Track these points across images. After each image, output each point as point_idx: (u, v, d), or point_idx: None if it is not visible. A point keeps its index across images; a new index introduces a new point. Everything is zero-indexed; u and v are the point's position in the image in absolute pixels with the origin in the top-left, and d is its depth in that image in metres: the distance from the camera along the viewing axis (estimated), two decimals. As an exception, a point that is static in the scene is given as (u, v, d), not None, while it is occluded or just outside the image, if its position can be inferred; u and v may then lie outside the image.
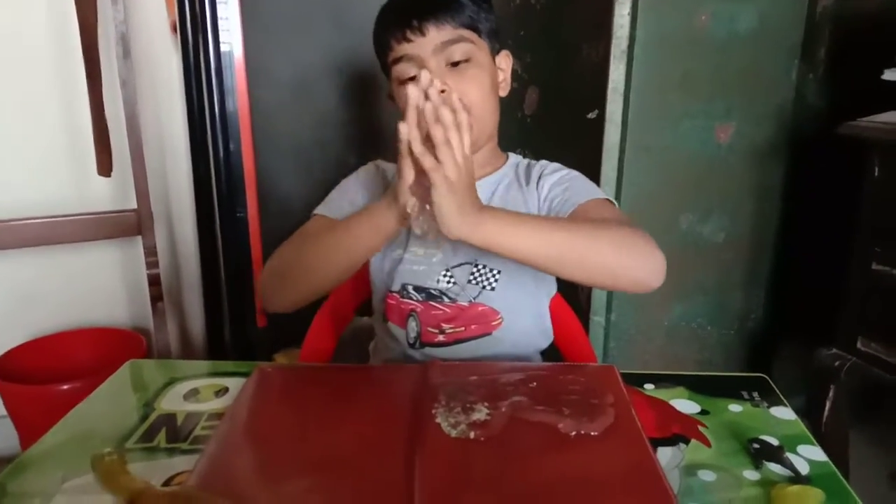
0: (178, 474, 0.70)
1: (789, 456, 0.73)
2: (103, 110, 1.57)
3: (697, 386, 0.88)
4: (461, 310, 0.99)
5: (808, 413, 1.59)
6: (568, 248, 0.80)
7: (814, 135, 1.78)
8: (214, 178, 1.72)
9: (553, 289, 1.11)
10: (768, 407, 0.84)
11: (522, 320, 1.02)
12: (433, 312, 0.99)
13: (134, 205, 1.63)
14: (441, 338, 1.00)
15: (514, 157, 1.07)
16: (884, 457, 1.79)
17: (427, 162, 0.74)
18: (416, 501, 0.62)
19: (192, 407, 0.84)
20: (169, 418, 0.81)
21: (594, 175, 1.65)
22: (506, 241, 0.79)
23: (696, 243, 1.80)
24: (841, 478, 0.70)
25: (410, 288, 1.00)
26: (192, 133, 1.73)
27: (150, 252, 1.60)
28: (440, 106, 0.74)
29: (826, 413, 1.59)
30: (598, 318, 1.77)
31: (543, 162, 1.06)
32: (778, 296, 1.93)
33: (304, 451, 0.73)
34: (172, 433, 0.78)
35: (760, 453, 0.73)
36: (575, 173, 1.02)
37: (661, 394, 0.86)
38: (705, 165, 1.74)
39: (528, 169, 1.04)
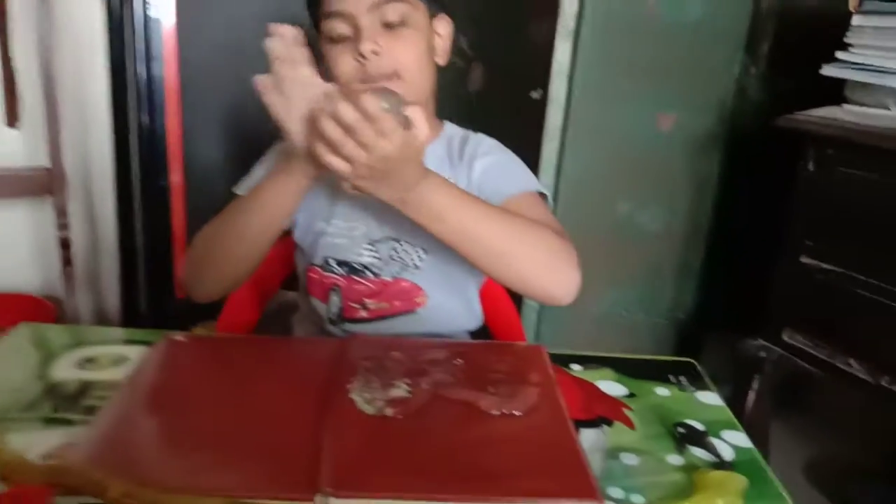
0: (62, 446, 0.63)
1: (714, 441, 0.71)
2: (10, 60, 1.47)
3: (625, 368, 0.85)
4: (384, 285, 0.95)
5: (732, 403, 1.60)
6: (494, 242, 0.79)
7: (753, 128, 1.80)
8: (138, 144, 1.63)
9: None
10: (695, 392, 0.82)
11: (448, 300, 0.98)
12: (355, 287, 0.95)
13: (47, 163, 1.52)
14: (363, 313, 0.96)
15: (450, 128, 1.02)
16: (802, 449, 1.84)
17: (336, 164, 0.71)
18: (321, 480, 0.58)
19: (86, 375, 0.77)
20: (58, 387, 0.74)
21: (535, 155, 1.62)
22: (433, 221, 0.77)
23: (631, 231, 1.80)
24: (764, 465, 0.69)
25: (332, 261, 0.96)
26: (114, 96, 1.64)
27: (62, 214, 1.50)
28: (341, 103, 0.68)
29: (749, 404, 1.61)
30: (531, 303, 1.75)
31: (480, 136, 1.01)
32: (709, 287, 1.96)
33: (205, 423, 0.68)
34: (61, 403, 0.71)
35: (685, 438, 0.71)
36: (510, 156, 0.98)
37: (588, 375, 0.84)
38: (645, 153, 1.74)
39: (463, 144, 0.98)
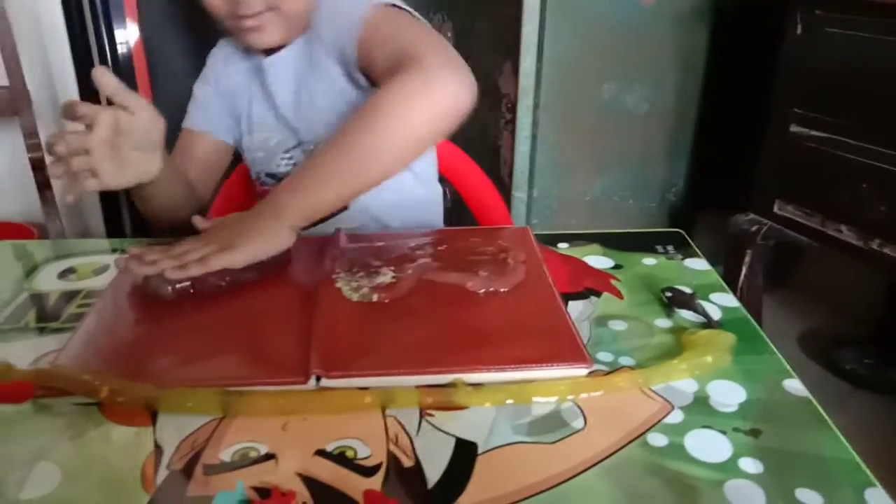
0: (47, 354, 0.63)
1: (702, 303, 0.71)
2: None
3: (612, 243, 0.85)
4: None
5: (725, 280, 1.62)
6: (371, 169, 0.74)
7: (739, -2, 1.73)
8: (98, 60, 1.57)
9: (425, 161, 1.02)
10: (683, 259, 0.82)
11: (384, 193, 0.86)
12: None
13: (4, 82, 1.46)
14: None
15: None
16: (795, 321, 1.87)
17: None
18: (311, 365, 0.58)
19: (66, 286, 0.76)
20: (40, 298, 0.73)
21: (514, 38, 1.56)
22: (319, 211, 0.75)
23: (618, 114, 1.76)
24: (753, 322, 0.69)
25: (263, 174, 0.99)
26: (68, 12, 1.56)
27: (31, 134, 1.45)
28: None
29: (741, 279, 1.63)
30: (519, 195, 1.73)
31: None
32: (700, 166, 1.93)
33: (193, 320, 0.67)
34: (43, 313, 0.71)
35: (673, 301, 0.70)
36: None
37: (575, 251, 0.83)
38: (629, 30, 1.67)
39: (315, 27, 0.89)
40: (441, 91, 0.71)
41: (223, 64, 0.99)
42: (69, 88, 1.63)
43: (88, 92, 1.56)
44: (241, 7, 0.82)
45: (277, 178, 0.95)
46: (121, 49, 1.56)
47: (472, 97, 0.73)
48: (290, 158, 0.95)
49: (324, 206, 0.74)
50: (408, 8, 0.83)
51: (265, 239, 0.71)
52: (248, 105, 0.97)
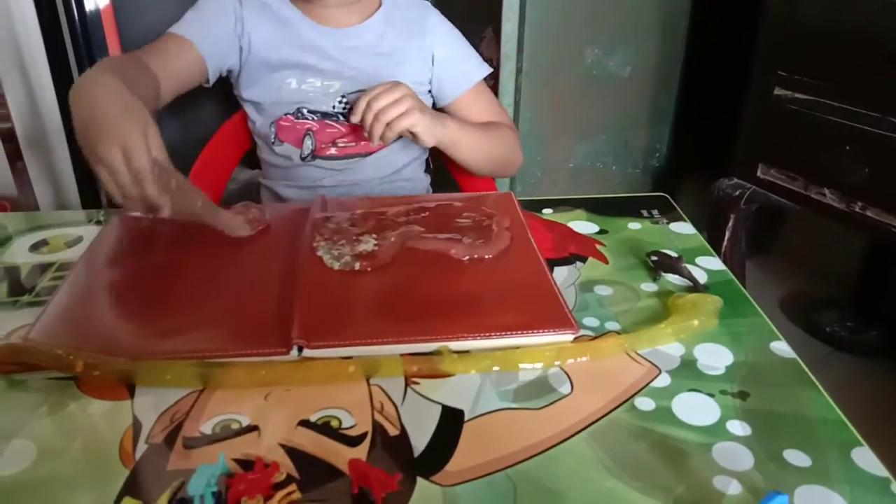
0: (20, 328, 0.61)
1: (688, 267, 0.70)
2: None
3: (596, 208, 0.84)
4: (355, 128, 0.98)
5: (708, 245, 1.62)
6: (486, 155, 1.01)
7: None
8: (65, 19, 1.50)
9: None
10: (668, 223, 0.81)
11: (403, 149, 1.04)
12: (328, 130, 0.99)
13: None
14: (333, 151, 1.00)
15: None
16: (776, 285, 1.89)
17: None
18: (293, 335, 0.57)
19: (39, 258, 0.74)
20: (11, 270, 0.71)
21: (496, 2, 1.53)
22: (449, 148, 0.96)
23: (600, 79, 1.73)
24: (739, 285, 0.69)
25: (305, 110, 1.00)
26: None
27: (-2, 102, 1.40)
28: None
29: (724, 244, 1.63)
30: (503, 162, 1.71)
31: (425, 5, 1.06)
32: (683, 132, 1.92)
33: (170, 291, 0.66)
34: (15, 286, 0.69)
35: (659, 265, 0.70)
36: (460, 39, 1.07)
37: (560, 217, 0.82)
38: (611, -7, 1.65)
39: (408, 9, 1.04)
40: (518, 158, 1.07)
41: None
42: (35, 49, 1.56)
43: (55, 53, 1.50)
44: None
45: (324, 113, 0.98)
46: (88, 6, 1.50)
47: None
48: (345, 101, 0.99)
49: (454, 139, 0.94)
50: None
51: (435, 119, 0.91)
52: (301, 57, 0.98)
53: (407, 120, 0.86)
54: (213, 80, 0.97)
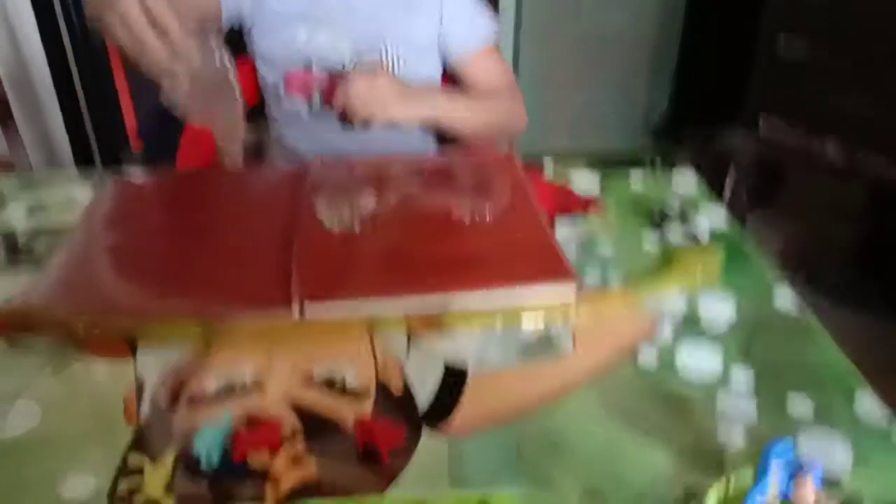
0: (21, 291, 0.61)
1: (690, 220, 0.70)
2: None
3: (598, 162, 0.83)
4: None
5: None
6: (479, 125, 0.98)
7: None
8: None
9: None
10: (670, 177, 0.80)
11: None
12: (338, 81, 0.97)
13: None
14: None
15: None
16: (776, 239, 1.88)
17: None
18: (293, 291, 0.56)
19: (37, 221, 0.73)
20: (7, 237, 0.71)
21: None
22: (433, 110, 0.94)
23: (599, 34, 1.70)
24: (740, 237, 0.68)
25: (314, 66, 0.99)
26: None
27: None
28: None
29: (726, 196, 1.62)
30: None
31: None
32: (684, 86, 1.90)
33: (170, 253, 0.65)
34: (12, 252, 0.68)
35: (661, 219, 0.69)
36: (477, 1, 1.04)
37: (562, 168, 0.81)
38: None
39: None
40: (521, 123, 1.04)
41: None
42: (25, 17, 1.54)
43: (46, 19, 1.47)
44: None
45: (335, 68, 0.98)
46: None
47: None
48: (356, 57, 0.98)
49: (441, 116, 0.93)
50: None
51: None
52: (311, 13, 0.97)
53: (382, 115, 0.87)
54: (226, 26, 0.98)
